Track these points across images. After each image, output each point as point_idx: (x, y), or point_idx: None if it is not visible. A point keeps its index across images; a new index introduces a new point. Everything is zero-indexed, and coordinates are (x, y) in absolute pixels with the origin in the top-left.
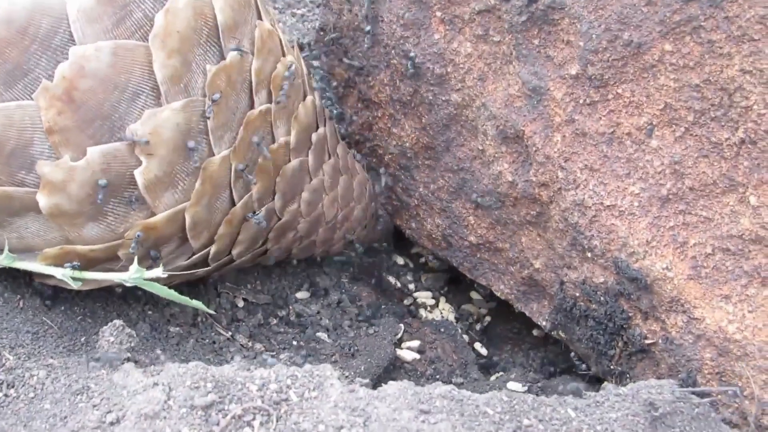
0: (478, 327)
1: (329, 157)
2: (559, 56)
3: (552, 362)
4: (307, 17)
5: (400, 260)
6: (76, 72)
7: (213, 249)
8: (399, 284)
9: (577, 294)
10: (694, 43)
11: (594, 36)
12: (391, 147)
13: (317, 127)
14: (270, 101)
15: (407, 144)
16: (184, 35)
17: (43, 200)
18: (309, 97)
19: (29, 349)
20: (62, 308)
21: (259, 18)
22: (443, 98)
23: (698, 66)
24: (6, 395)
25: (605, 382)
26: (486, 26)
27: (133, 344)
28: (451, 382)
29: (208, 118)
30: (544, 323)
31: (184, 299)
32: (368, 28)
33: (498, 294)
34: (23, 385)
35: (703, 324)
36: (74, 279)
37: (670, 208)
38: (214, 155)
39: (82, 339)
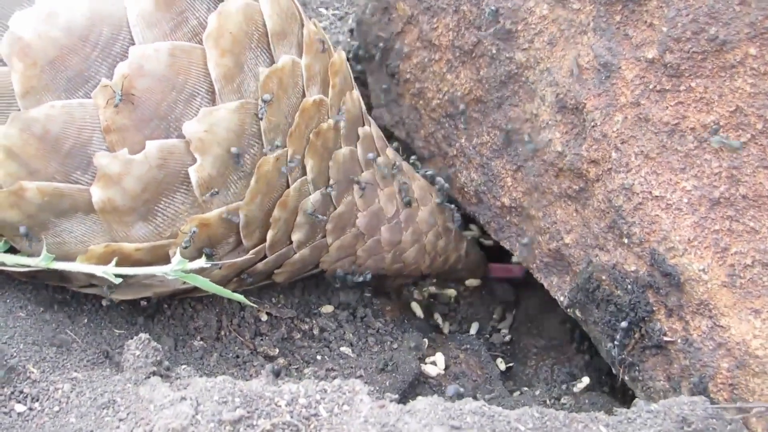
0: (501, 342)
1: (378, 155)
2: (638, 37)
3: (577, 378)
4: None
5: None
6: (135, 71)
7: (270, 234)
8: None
9: (604, 277)
10: None
11: (679, 24)
12: (441, 92)
13: (363, 124)
14: (322, 94)
15: (458, 93)
16: (236, 37)
17: (97, 194)
18: (354, 91)
19: (53, 363)
20: (86, 321)
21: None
22: (507, 55)
23: None
24: (30, 409)
25: (636, 399)
26: None
27: (158, 358)
28: (476, 398)
29: (261, 119)
30: (561, 299)
31: (227, 292)
32: None
33: (520, 260)
34: (48, 399)
35: (728, 333)
36: (116, 275)
37: (718, 211)
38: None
39: (107, 352)
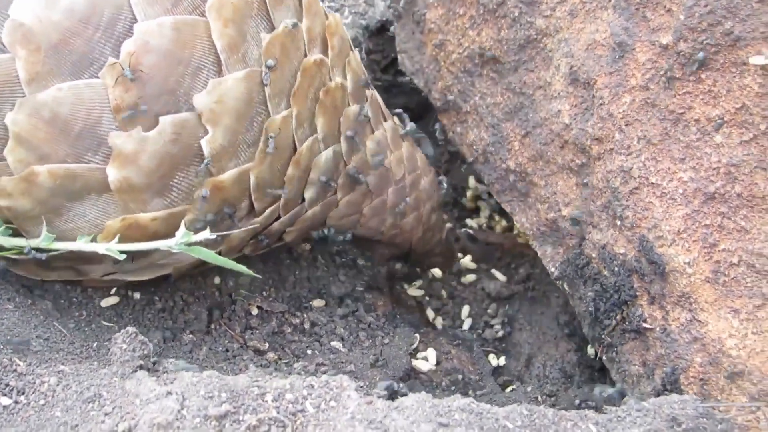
0: (494, 337)
1: (385, 120)
2: (656, 21)
3: (569, 375)
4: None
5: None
6: (141, 48)
7: (284, 192)
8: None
9: (594, 255)
10: None
11: (697, 14)
12: (462, 47)
13: (368, 87)
14: (323, 54)
15: (478, 50)
16: (237, 6)
17: (113, 173)
18: (355, 52)
19: (40, 356)
20: (75, 314)
21: None
22: (528, 19)
23: None
24: (16, 402)
25: (626, 397)
26: None
27: (146, 352)
28: (467, 394)
29: (266, 85)
30: (552, 270)
31: (232, 264)
32: None
33: (518, 225)
34: (33, 392)
35: (705, 328)
36: (120, 252)
37: (711, 206)
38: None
39: (94, 345)
